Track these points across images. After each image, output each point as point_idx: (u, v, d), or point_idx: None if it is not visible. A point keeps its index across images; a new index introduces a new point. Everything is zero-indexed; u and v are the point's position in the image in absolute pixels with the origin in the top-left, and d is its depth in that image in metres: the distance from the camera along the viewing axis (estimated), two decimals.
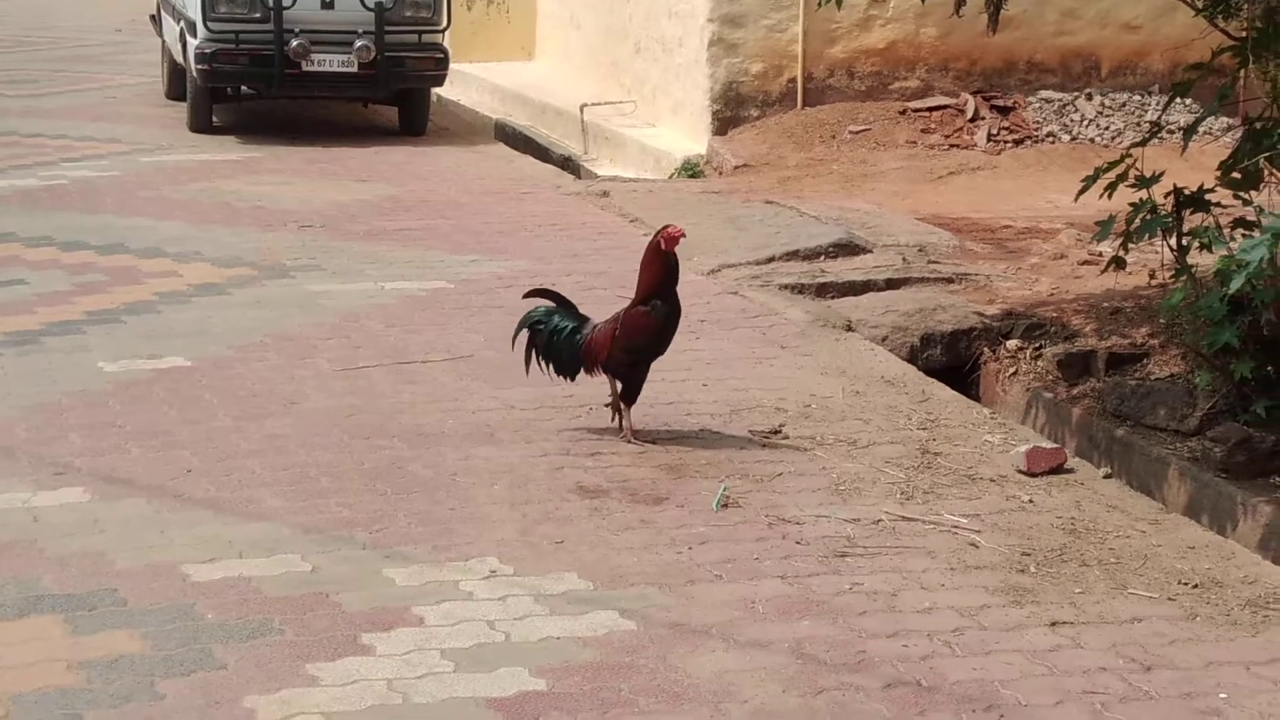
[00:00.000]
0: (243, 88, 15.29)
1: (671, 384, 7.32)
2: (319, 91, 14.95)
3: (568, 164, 14.55)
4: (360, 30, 14.15)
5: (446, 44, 14.95)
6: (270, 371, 7.44)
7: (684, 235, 6.65)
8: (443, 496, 5.91)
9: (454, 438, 6.57)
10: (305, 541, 5.45)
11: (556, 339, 6.63)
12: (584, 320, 6.70)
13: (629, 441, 6.53)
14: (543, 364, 6.69)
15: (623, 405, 6.61)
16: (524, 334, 6.69)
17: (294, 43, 14.01)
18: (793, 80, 13.79)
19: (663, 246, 6.52)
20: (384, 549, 5.41)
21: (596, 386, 7.25)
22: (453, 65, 15.43)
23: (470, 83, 18.19)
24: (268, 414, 6.81)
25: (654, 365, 7.64)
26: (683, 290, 9.06)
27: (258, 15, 14.10)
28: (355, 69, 14.23)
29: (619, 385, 6.63)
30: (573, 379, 6.72)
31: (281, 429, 6.62)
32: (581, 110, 15.27)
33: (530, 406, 6.97)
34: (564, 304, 6.75)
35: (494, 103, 17.52)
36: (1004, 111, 13.67)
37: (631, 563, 5.35)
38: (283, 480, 6.03)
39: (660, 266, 6.56)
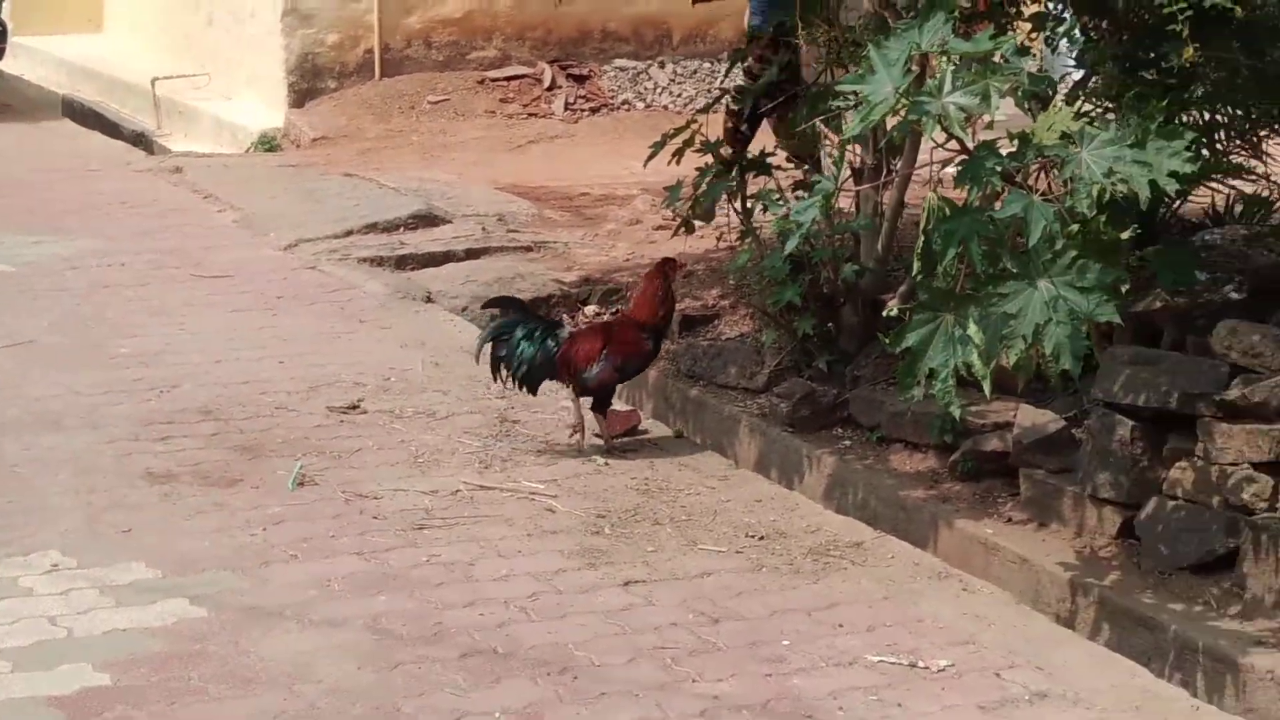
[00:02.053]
0: None
1: (247, 363, 7.17)
2: None
3: (140, 140, 14.07)
4: None
5: (5, 16, 14.29)
6: None
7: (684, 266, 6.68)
8: (1, 489, 5.65)
9: (14, 427, 6.30)
10: None
11: (525, 346, 6.26)
12: (555, 324, 6.49)
13: (611, 448, 6.27)
14: (505, 374, 6.31)
15: (597, 416, 6.31)
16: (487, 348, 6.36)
17: None
18: (370, 51, 13.64)
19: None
20: None
21: (169, 370, 7.06)
22: (13, 38, 14.76)
23: (34, 56, 17.40)
24: None
25: (228, 343, 7.52)
26: (258, 266, 8.95)
27: None
28: None
29: (589, 399, 6.31)
30: (534, 392, 6.37)
31: None
32: (153, 84, 14.77)
33: (97, 391, 6.73)
34: (524, 310, 6.53)
35: (60, 77, 16.80)
36: (580, 80, 13.82)
37: (203, 547, 5.22)
38: None
39: (664, 298, 6.40)
